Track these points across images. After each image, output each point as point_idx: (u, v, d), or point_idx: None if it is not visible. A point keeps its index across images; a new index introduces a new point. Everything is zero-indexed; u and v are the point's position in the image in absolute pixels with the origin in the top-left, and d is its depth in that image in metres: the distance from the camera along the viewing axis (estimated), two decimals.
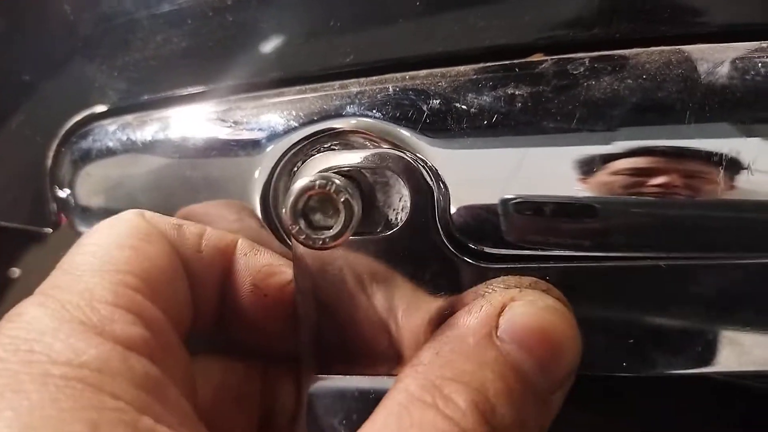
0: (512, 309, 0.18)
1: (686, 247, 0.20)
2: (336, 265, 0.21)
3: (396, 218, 0.22)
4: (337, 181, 0.19)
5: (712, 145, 0.19)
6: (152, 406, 0.15)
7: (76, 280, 0.18)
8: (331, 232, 0.19)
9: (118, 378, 0.15)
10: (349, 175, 0.21)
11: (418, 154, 0.21)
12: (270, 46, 0.26)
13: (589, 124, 0.20)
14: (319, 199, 0.19)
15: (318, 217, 0.19)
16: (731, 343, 0.20)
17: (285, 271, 0.22)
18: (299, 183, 0.19)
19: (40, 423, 0.14)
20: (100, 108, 0.28)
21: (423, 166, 0.21)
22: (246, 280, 0.22)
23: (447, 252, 0.21)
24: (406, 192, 0.21)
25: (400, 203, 0.22)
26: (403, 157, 0.21)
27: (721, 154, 0.19)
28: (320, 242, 0.19)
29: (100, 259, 0.18)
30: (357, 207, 0.19)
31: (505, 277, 0.20)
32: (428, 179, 0.21)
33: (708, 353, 0.20)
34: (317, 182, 0.19)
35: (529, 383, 0.17)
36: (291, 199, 0.19)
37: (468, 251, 0.21)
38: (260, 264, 0.22)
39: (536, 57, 0.22)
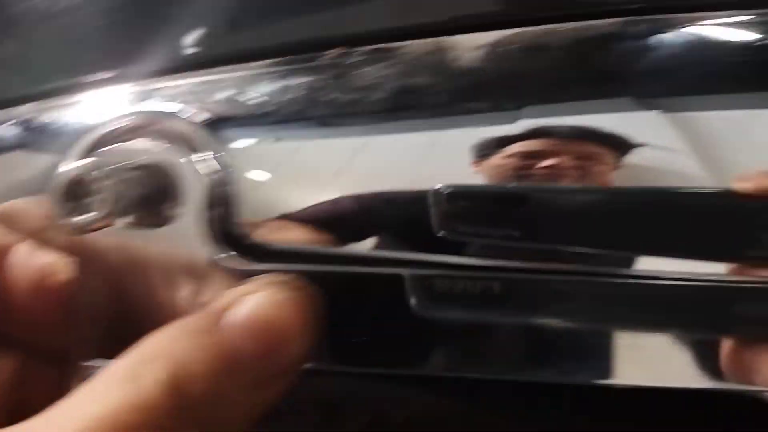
0: (241, 302, 0.19)
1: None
2: (112, 256, 0.22)
3: (174, 213, 0.22)
4: (105, 168, 0.20)
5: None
6: None
7: None
8: (90, 218, 0.19)
9: None
10: (125, 166, 0.21)
11: (199, 149, 0.22)
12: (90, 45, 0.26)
13: (358, 107, 0.21)
14: (84, 185, 0.20)
15: (85, 202, 0.20)
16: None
17: (69, 269, 0.22)
18: (64, 167, 0.20)
19: None
20: None
21: (200, 161, 0.22)
22: (26, 279, 0.22)
23: (214, 250, 0.21)
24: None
25: (178, 198, 0.23)
26: (170, 155, 0.21)
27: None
28: (79, 226, 0.19)
29: None
30: (122, 196, 0.20)
31: (264, 275, 0.20)
32: (199, 176, 0.21)
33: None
34: (82, 167, 0.19)
35: (241, 366, 0.18)
36: (55, 181, 0.19)
37: (240, 249, 0.22)
38: (43, 262, 0.22)
39: (336, 51, 0.24)
